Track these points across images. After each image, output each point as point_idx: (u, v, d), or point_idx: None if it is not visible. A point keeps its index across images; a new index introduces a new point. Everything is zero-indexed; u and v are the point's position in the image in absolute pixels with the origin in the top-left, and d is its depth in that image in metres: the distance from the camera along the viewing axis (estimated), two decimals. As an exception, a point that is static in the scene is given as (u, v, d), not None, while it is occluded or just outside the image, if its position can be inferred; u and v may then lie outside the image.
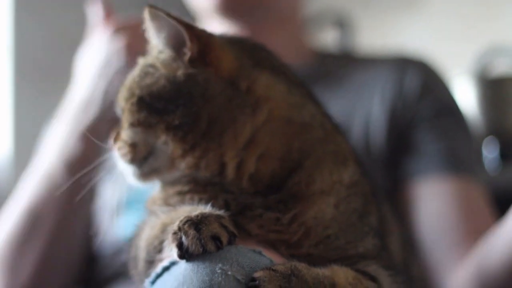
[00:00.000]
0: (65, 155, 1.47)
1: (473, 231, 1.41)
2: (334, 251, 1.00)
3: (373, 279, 0.97)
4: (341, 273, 0.92)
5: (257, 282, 0.83)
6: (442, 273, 1.41)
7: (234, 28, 1.64)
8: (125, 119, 1.06)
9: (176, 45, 1.04)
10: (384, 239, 1.11)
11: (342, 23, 3.17)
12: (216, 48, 1.04)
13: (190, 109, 1.01)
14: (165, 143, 1.02)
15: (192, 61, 1.02)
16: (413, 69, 1.61)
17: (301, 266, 0.88)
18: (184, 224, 0.88)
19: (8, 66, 3.28)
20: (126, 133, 1.06)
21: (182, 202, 1.02)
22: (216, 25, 1.66)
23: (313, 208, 1.01)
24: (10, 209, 1.54)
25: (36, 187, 1.50)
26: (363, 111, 1.56)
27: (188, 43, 1.02)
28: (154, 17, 1.03)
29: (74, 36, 3.51)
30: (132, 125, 1.04)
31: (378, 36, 3.44)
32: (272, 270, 0.85)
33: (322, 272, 0.89)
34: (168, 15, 1.01)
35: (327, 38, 3.14)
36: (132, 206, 1.39)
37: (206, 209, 0.94)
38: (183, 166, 1.02)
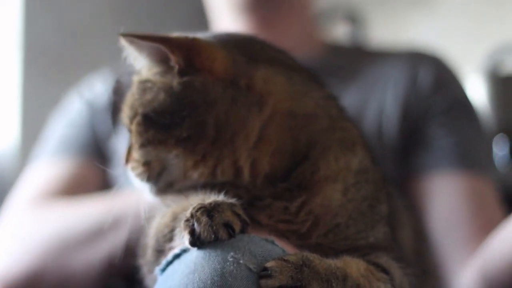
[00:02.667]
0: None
1: (483, 227, 1.40)
2: (343, 241, 1.00)
3: (384, 270, 0.96)
4: (353, 264, 0.91)
5: (269, 272, 0.83)
6: (450, 269, 1.40)
7: (245, 23, 1.62)
8: (134, 140, 1.04)
9: (162, 59, 1.02)
10: (395, 231, 1.10)
11: (354, 18, 3.16)
12: (203, 50, 1.02)
13: (195, 118, 0.99)
14: (177, 157, 1.00)
15: (182, 71, 1.00)
16: (426, 64, 1.60)
17: (313, 257, 0.87)
18: (197, 211, 0.87)
19: (17, 55, 3.28)
20: (137, 153, 1.04)
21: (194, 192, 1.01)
22: (227, 21, 1.65)
23: (319, 195, 1.00)
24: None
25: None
26: (376, 105, 1.55)
27: (171, 56, 1.00)
28: (130, 43, 1.02)
29: (84, 26, 3.54)
30: (143, 145, 1.02)
31: (389, 31, 3.43)
32: (284, 260, 0.84)
33: (334, 263, 0.88)
34: (141, 37, 1.00)
35: (339, 33, 3.13)
36: None
37: (219, 197, 0.93)
38: (196, 176, 1.01)
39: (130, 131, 1.07)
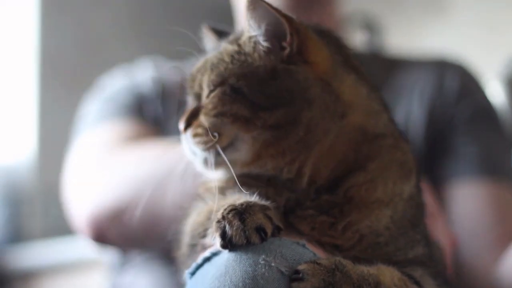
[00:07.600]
0: None
1: (507, 234, 1.40)
2: (381, 256, 0.97)
3: (418, 283, 0.94)
4: (387, 273, 0.90)
5: (300, 274, 0.82)
6: (473, 275, 1.40)
7: None
8: (212, 106, 0.98)
9: (274, 37, 0.98)
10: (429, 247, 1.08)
11: (371, 26, 3.16)
12: (313, 43, 0.99)
13: (290, 111, 0.96)
14: (256, 140, 0.97)
15: (290, 56, 0.98)
16: (452, 72, 1.61)
17: (346, 262, 0.86)
18: (228, 213, 0.86)
19: (34, 65, 3.30)
20: (210, 120, 0.98)
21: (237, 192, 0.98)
22: None
23: (370, 217, 0.98)
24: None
25: None
26: (403, 112, 1.55)
27: (288, 37, 0.97)
28: (254, 8, 0.97)
29: (100, 36, 3.55)
30: (221, 114, 0.98)
31: (406, 39, 3.42)
32: (317, 263, 0.83)
33: (367, 269, 0.87)
34: (270, 5, 0.96)
35: (356, 41, 3.13)
36: None
37: (252, 198, 0.91)
38: (269, 166, 0.98)
39: (197, 95, 1.04)
